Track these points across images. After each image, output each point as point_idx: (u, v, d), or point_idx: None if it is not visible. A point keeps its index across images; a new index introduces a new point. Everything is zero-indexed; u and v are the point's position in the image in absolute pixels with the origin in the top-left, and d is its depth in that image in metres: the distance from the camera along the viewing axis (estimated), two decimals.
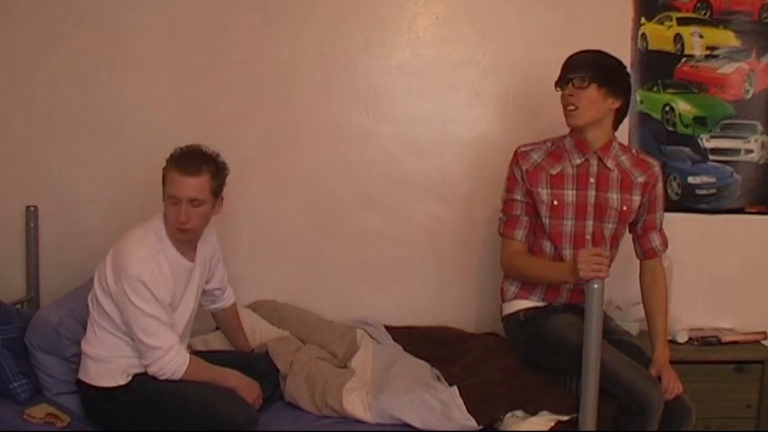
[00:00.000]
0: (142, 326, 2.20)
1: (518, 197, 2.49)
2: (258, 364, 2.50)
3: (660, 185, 2.53)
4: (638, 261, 2.61)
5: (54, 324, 2.40)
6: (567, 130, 2.50)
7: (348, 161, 3.01)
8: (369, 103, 2.99)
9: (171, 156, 2.30)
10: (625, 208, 2.47)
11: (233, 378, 2.33)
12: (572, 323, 2.38)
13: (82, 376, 2.31)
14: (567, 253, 2.46)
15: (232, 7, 2.91)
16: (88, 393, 2.31)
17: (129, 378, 2.26)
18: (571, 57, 2.44)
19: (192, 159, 2.28)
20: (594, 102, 2.37)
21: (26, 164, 2.94)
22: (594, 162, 2.46)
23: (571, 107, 2.39)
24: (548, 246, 2.48)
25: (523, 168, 2.47)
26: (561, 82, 2.42)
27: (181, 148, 2.32)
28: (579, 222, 2.45)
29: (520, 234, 2.49)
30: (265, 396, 2.42)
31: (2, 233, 2.94)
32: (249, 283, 2.98)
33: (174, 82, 2.93)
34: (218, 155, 2.36)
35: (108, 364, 2.27)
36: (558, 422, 2.24)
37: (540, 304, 2.51)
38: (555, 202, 2.44)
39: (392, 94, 3.00)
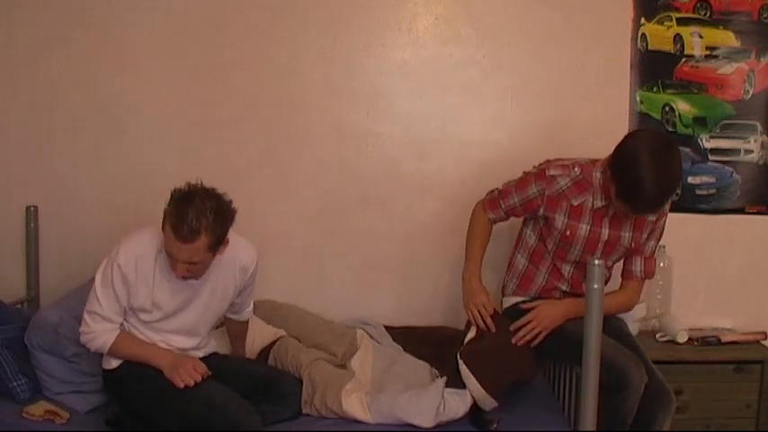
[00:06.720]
0: (90, 300, 2.25)
1: (518, 205, 2.53)
2: (283, 385, 2.43)
3: (665, 219, 2.54)
4: None
5: (54, 324, 2.41)
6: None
7: (348, 161, 3.01)
8: (369, 104, 2.99)
9: (169, 205, 2.11)
10: (633, 245, 2.50)
11: (164, 357, 2.28)
12: None
13: (103, 364, 2.35)
14: (567, 269, 2.54)
15: (232, 7, 2.91)
16: (107, 381, 2.35)
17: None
18: (648, 203, 2.30)
19: (187, 221, 2.06)
20: None
21: (26, 164, 2.95)
22: (613, 208, 2.45)
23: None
24: (548, 260, 2.56)
25: (546, 194, 2.47)
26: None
27: (179, 197, 2.12)
28: (587, 255, 2.47)
29: (493, 216, 2.59)
30: (285, 417, 2.36)
31: (2, 233, 2.95)
32: None
33: (174, 82, 2.93)
34: (220, 199, 2.17)
35: None
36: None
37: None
38: (568, 233, 2.47)
39: (392, 94, 2.99)
